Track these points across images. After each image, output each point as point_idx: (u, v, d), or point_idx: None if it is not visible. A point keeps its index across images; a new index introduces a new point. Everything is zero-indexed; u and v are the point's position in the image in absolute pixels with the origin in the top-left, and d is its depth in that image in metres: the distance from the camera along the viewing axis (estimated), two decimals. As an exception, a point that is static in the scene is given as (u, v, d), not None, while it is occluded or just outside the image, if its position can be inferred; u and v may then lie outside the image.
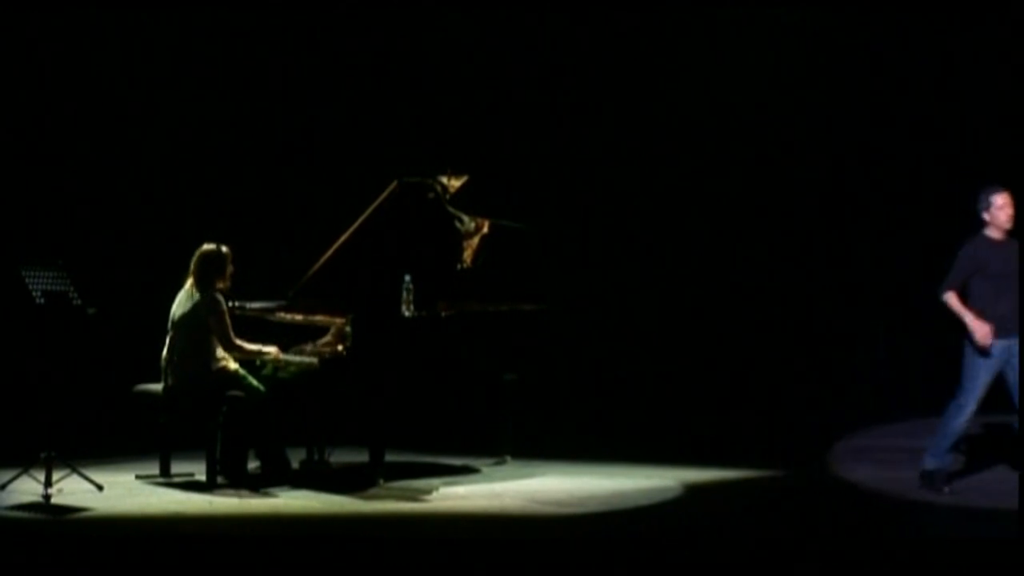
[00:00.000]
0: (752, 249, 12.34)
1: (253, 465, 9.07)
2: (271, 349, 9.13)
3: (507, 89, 12.16)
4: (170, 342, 9.02)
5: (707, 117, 12.23)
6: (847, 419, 11.29)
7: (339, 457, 9.64)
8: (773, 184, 12.28)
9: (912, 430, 10.35)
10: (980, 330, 8.54)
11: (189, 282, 9.01)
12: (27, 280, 8.75)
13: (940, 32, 11.86)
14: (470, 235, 9.69)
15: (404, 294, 9.16)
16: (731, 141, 12.26)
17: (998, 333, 8.50)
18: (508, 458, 9.77)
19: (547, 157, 12.12)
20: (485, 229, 9.72)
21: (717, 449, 10.56)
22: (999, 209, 8.53)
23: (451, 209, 9.64)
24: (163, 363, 9.05)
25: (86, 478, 8.65)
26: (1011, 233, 8.62)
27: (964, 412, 8.65)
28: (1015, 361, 8.54)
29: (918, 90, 12.10)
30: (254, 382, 8.97)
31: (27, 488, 8.48)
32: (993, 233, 8.55)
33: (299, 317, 9.46)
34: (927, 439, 8.97)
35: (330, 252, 9.52)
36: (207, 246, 9.06)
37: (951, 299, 8.63)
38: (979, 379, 8.59)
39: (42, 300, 8.69)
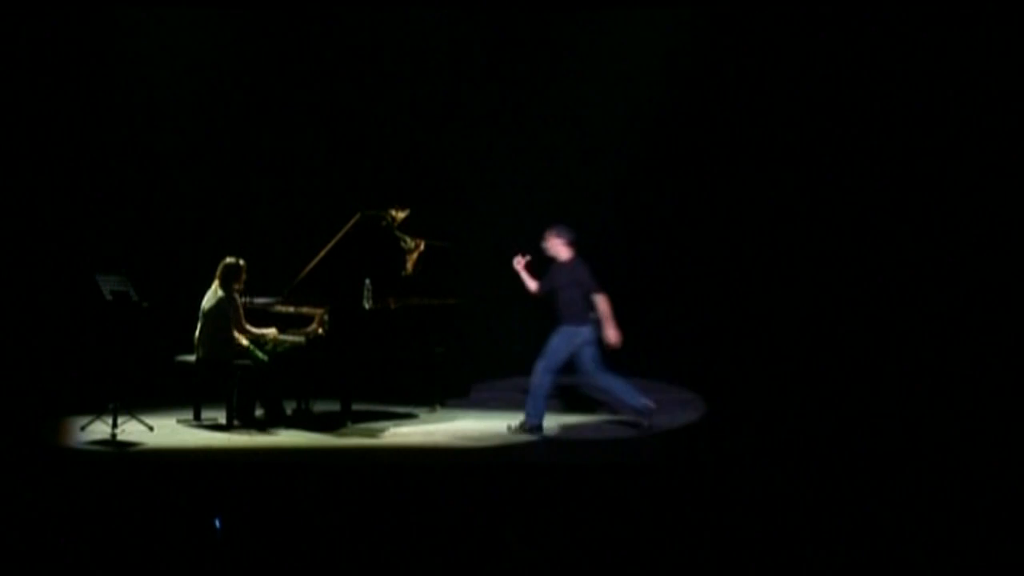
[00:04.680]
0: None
1: (259, 412, 9.92)
2: (271, 331, 9.98)
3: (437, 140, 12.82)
4: (200, 326, 9.85)
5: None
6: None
7: (319, 407, 10.37)
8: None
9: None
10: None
11: (215, 283, 9.81)
12: (100, 283, 9.72)
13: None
14: (411, 251, 10.46)
15: (365, 292, 10.00)
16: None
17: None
18: (438, 407, 10.69)
19: (461, 196, 12.81)
20: (421, 247, 10.50)
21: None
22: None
23: (398, 233, 10.46)
24: (195, 341, 9.86)
25: (141, 421, 9.58)
26: (575, 255, 9.56)
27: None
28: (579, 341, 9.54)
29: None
30: (259, 354, 9.82)
31: (99, 429, 9.45)
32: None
33: (291, 309, 10.20)
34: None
35: (313, 262, 10.36)
36: (229, 259, 9.82)
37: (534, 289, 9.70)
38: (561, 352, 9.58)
39: (110, 297, 9.63)
